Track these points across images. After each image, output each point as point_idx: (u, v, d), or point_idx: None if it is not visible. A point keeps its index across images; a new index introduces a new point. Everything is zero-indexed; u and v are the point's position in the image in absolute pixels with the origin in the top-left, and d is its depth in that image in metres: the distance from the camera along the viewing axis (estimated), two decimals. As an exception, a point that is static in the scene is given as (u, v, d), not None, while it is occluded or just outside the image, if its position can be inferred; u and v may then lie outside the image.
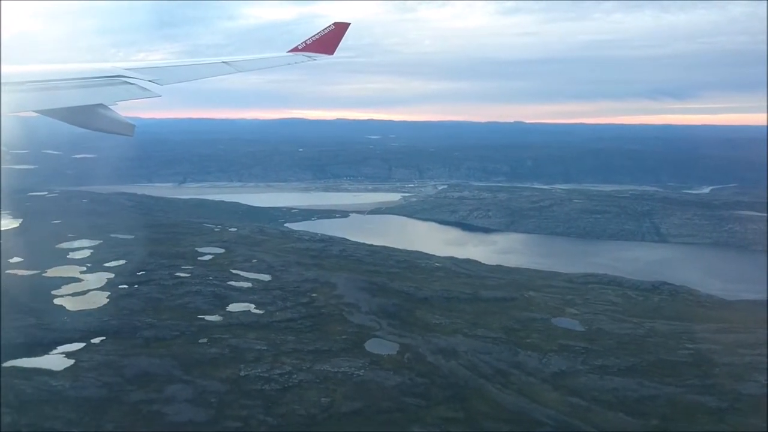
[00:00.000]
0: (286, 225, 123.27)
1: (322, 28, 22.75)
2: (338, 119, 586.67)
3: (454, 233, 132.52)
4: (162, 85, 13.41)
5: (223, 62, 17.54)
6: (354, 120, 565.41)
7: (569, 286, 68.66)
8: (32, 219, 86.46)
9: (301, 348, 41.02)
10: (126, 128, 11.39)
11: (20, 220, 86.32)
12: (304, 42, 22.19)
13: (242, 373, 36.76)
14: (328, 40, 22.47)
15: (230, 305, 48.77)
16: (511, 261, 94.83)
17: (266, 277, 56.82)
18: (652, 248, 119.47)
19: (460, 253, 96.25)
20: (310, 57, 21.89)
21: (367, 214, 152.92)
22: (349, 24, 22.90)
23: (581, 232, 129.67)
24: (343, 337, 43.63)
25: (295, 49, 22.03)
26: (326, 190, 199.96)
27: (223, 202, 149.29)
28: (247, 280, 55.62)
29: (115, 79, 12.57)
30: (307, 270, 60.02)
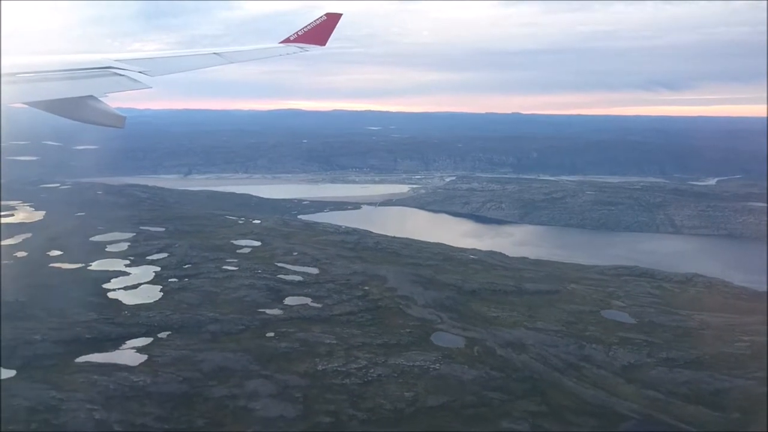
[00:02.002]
0: (300, 217, 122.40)
1: (314, 19, 22.40)
2: (336, 110, 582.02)
3: (469, 225, 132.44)
4: (152, 76, 13.27)
5: (215, 53, 17.41)
6: (352, 111, 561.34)
7: (604, 279, 68.79)
8: (54, 211, 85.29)
9: (370, 342, 40.83)
10: (116, 120, 11.06)
11: (43, 212, 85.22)
12: (296, 33, 21.87)
13: (319, 368, 36.54)
14: (320, 30, 22.16)
15: (286, 299, 48.46)
16: (533, 253, 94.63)
17: (314, 270, 56.46)
18: (669, 240, 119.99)
19: (481, 245, 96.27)
20: (302, 48, 21.63)
21: (378, 206, 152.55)
22: (341, 15, 22.45)
23: (596, 224, 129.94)
24: (407, 330, 43.46)
25: (287, 40, 21.69)
26: (333, 181, 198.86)
27: (233, 194, 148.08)
28: (296, 273, 55.22)
29: (106, 70, 12.38)
30: (351, 263, 59.72)
